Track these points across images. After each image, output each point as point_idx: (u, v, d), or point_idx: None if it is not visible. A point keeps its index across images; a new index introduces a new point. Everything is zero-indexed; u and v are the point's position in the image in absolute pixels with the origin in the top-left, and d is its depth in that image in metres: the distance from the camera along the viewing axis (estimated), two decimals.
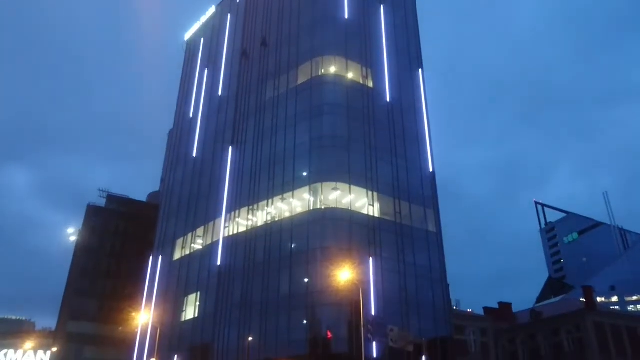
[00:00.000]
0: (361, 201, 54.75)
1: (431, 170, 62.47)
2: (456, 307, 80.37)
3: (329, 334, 46.52)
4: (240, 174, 64.53)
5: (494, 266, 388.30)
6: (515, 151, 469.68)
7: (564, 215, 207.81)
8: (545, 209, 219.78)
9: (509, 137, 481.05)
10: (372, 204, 54.75)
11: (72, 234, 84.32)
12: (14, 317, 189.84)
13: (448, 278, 57.52)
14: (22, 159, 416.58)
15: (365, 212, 54.04)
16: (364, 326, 35.88)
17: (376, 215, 54.56)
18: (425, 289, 53.85)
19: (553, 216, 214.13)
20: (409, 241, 55.49)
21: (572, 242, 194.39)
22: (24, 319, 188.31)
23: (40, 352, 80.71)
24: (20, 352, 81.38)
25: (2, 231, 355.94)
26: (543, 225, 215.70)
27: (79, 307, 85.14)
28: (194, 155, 77.84)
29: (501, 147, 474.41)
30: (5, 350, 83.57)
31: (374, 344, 43.07)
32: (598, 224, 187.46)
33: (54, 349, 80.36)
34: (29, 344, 77.11)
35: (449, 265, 57.98)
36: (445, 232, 59.49)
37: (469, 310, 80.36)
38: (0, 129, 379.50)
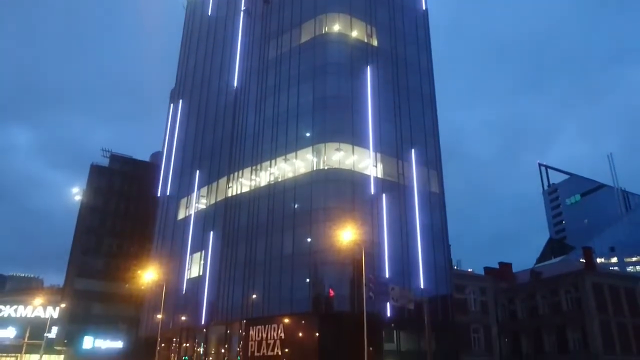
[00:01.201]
0: (364, 162, 54.66)
1: (435, 130, 62.14)
2: (457, 266, 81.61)
3: (331, 292, 47.35)
4: (243, 134, 64.26)
5: (495, 227, 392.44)
6: (519, 112, 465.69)
7: (567, 177, 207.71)
8: (549, 170, 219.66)
9: (514, 97, 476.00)
10: (375, 164, 54.66)
11: (76, 193, 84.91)
12: (22, 275, 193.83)
13: (449, 238, 58.19)
14: (23, 118, 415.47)
15: (368, 172, 54.03)
16: (365, 285, 36.42)
17: (379, 176, 54.57)
18: (427, 249, 54.45)
19: (556, 178, 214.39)
20: (412, 202, 55.72)
21: (575, 204, 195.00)
22: (32, 276, 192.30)
23: (50, 308, 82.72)
24: (30, 307, 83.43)
25: (5, 190, 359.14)
26: (546, 187, 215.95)
27: (86, 264, 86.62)
28: (197, 113, 77.32)
29: (505, 107, 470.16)
30: (15, 306, 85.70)
31: (376, 302, 43.87)
32: (601, 186, 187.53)
33: (63, 305, 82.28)
34: (38, 300, 78.87)
35: (451, 226, 58.60)
36: (447, 193, 59.78)
37: (469, 270, 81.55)
38: (1, 87, 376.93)
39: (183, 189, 74.22)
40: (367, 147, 54.88)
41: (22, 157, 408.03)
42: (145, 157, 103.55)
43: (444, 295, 54.26)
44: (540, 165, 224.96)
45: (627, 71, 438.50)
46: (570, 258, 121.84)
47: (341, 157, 53.77)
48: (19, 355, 75.38)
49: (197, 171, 71.49)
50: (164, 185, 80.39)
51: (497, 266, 73.11)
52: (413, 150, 58.56)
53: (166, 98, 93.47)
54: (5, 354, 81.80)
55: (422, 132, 60.54)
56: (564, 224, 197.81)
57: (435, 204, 58.01)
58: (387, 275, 48.28)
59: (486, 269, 72.04)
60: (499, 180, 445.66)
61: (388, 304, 45.32)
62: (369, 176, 53.70)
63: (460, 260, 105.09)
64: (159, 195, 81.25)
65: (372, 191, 52.96)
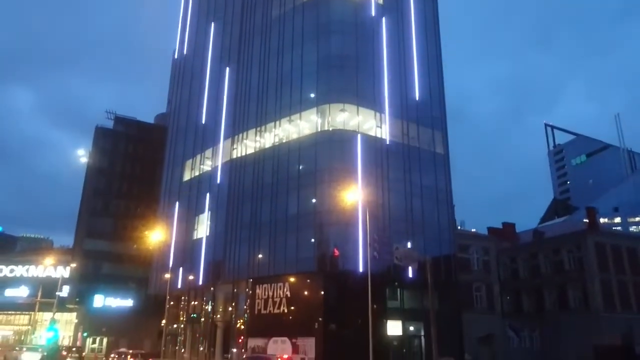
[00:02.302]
0: (369, 122, 54.39)
1: (441, 90, 61.48)
2: (460, 227, 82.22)
3: (336, 252, 48.06)
4: (247, 95, 63.78)
5: (499, 188, 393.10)
6: (525, 71, 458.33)
7: (573, 137, 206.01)
8: (555, 130, 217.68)
9: (519, 55, 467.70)
10: (379, 125, 54.41)
11: (82, 155, 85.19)
12: (32, 236, 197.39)
13: (454, 199, 58.40)
14: (24, 80, 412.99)
15: (373, 133, 53.84)
16: (370, 244, 36.89)
17: (384, 136, 54.40)
18: (431, 210, 54.82)
19: (562, 138, 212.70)
20: (416, 162, 55.74)
21: (580, 164, 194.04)
22: (41, 237, 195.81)
23: (60, 268, 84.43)
24: (41, 267, 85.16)
25: (10, 152, 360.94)
26: (552, 147, 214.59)
27: (94, 225, 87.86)
28: (200, 75, 76.54)
29: (511, 66, 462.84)
30: (27, 266, 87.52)
31: (380, 261, 44.54)
32: (607, 146, 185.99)
33: (73, 265, 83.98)
34: (49, 260, 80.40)
35: (455, 186, 58.66)
36: (452, 153, 59.68)
37: (473, 230, 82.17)
38: (1, 49, 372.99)
39: (188, 151, 74.38)
40: (372, 108, 54.51)
41: (25, 119, 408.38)
42: (149, 117, 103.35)
43: (447, 255, 54.94)
44: (546, 125, 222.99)
45: (637, 27, 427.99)
46: (573, 218, 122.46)
47: (346, 117, 53.49)
48: (32, 313, 77.50)
49: (202, 133, 71.45)
50: (169, 147, 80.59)
51: (500, 226, 73.67)
52: (418, 110, 58.12)
53: (168, 59, 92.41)
54: (19, 312, 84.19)
55: (427, 92, 59.89)
56: (569, 185, 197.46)
57: (440, 165, 57.97)
58: (391, 235, 48.79)
59: (490, 229, 72.62)
60: (505, 141, 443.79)
61: (392, 263, 45.97)
62: (373, 137, 53.55)
63: (464, 220, 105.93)
64: (164, 156, 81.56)
65: (377, 152, 52.91)
